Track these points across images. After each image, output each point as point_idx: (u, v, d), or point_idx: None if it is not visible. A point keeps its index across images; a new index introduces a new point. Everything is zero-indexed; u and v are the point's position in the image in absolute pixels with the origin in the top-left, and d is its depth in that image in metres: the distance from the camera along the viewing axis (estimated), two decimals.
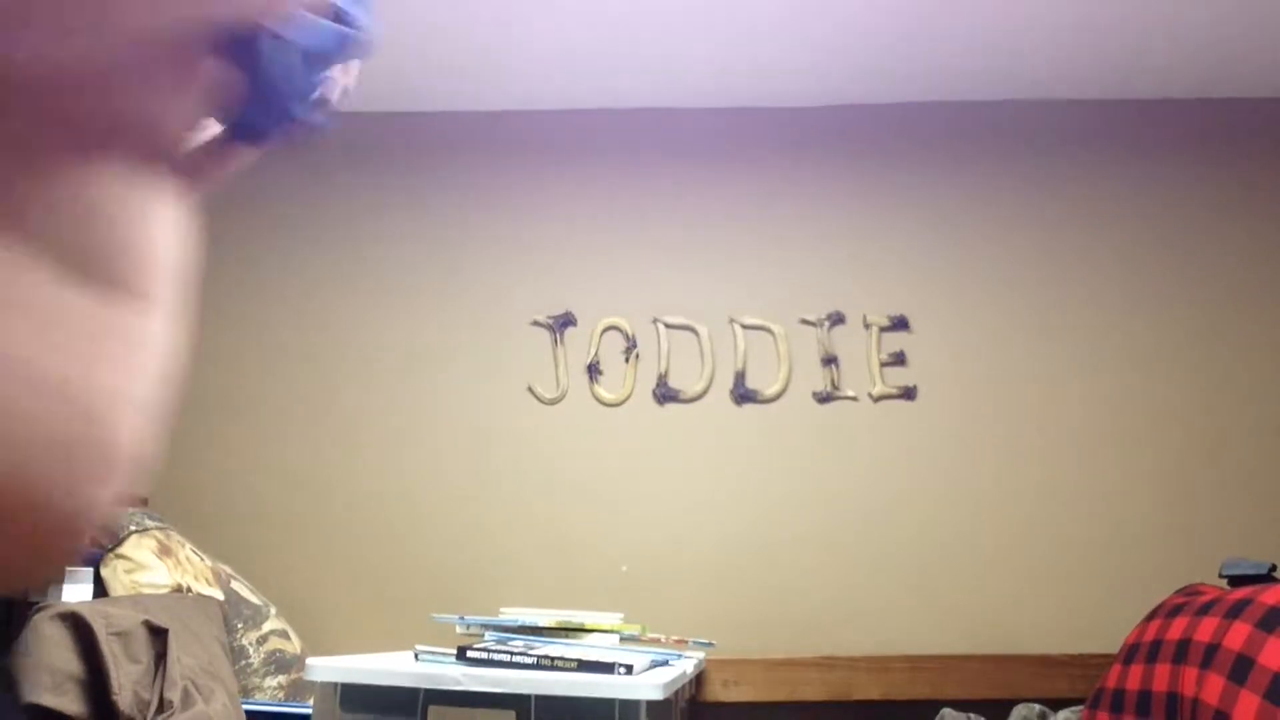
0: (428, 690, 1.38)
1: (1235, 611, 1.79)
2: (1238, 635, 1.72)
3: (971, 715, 2.20)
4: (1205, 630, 1.81)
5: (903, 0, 2.41)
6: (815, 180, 2.81)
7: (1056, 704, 2.24)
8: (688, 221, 2.81)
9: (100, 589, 2.12)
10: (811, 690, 2.48)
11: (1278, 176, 2.75)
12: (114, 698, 1.66)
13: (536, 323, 2.78)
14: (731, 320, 2.74)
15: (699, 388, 2.72)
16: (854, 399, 2.70)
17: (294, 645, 2.32)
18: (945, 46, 2.57)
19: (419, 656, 1.48)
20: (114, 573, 2.11)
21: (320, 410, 2.76)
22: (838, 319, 2.73)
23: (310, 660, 1.42)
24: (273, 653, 2.23)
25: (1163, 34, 2.50)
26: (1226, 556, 2.18)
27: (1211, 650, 1.77)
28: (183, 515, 2.54)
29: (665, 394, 2.72)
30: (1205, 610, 1.87)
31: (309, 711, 1.91)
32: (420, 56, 2.66)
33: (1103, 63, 2.64)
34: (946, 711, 2.23)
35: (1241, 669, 1.68)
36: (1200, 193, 2.74)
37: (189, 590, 2.16)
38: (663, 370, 2.73)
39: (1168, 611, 1.98)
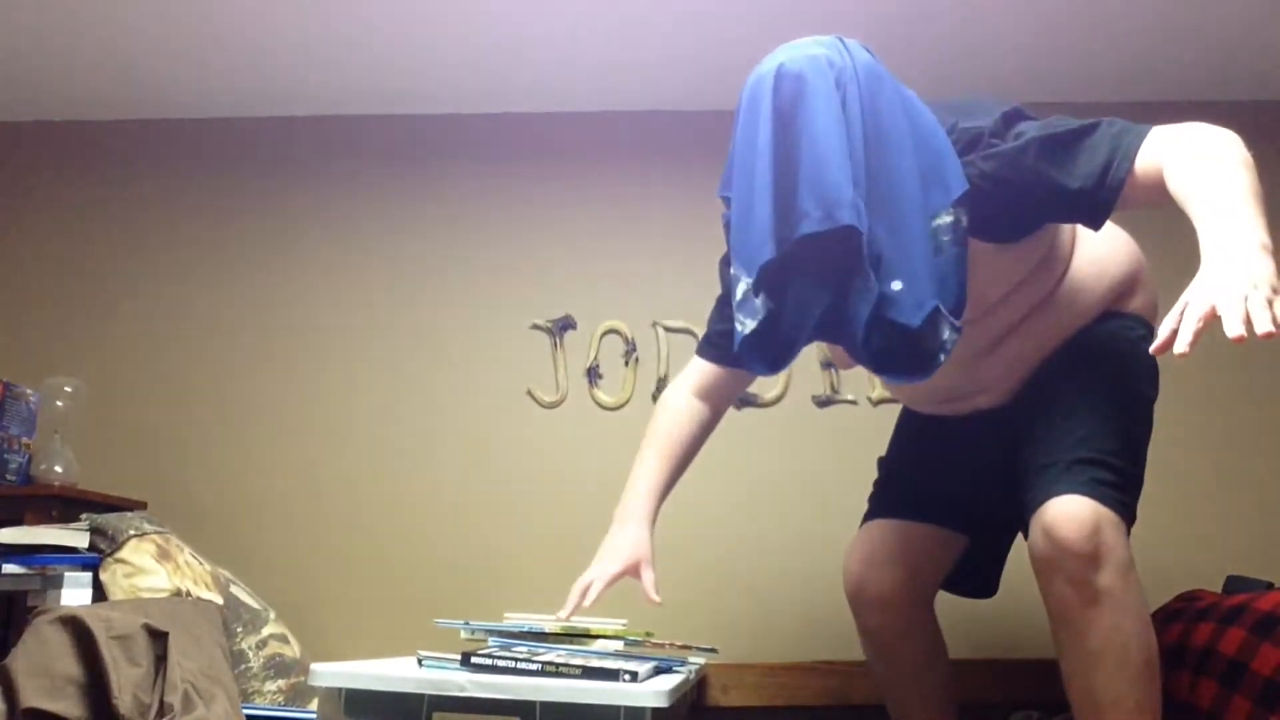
0: (432, 696, 1.38)
1: (1230, 617, 1.79)
2: (1232, 641, 1.73)
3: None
4: (1201, 635, 1.82)
5: (901, 3, 2.41)
6: None
7: (1054, 709, 2.24)
8: (687, 224, 2.80)
9: (99, 593, 2.11)
10: (810, 695, 2.48)
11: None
12: (114, 701, 1.66)
13: (536, 326, 2.77)
14: None
15: None
16: (853, 402, 2.70)
17: (293, 650, 2.32)
18: (943, 49, 2.57)
19: (423, 662, 1.47)
20: (113, 577, 2.10)
21: (319, 415, 2.75)
22: None
23: (314, 666, 1.41)
24: (272, 657, 2.22)
25: (1189, 34, 2.52)
26: (1229, 570, 2.18)
27: (1206, 655, 1.77)
28: (182, 519, 2.54)
29: None
30: (1201, 616, 1.87)
31: (312, 717, 1.91)
32: (421, 60, 2.66)
33: (1108, 66, 2.65)
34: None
35: (1234, 674, 1.69)
36: None
37: (188, 594, 2.15)
38: (662, 374, 2.73)
39: (1165, 617, 1.99)
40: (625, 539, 1.75)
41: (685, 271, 2.77)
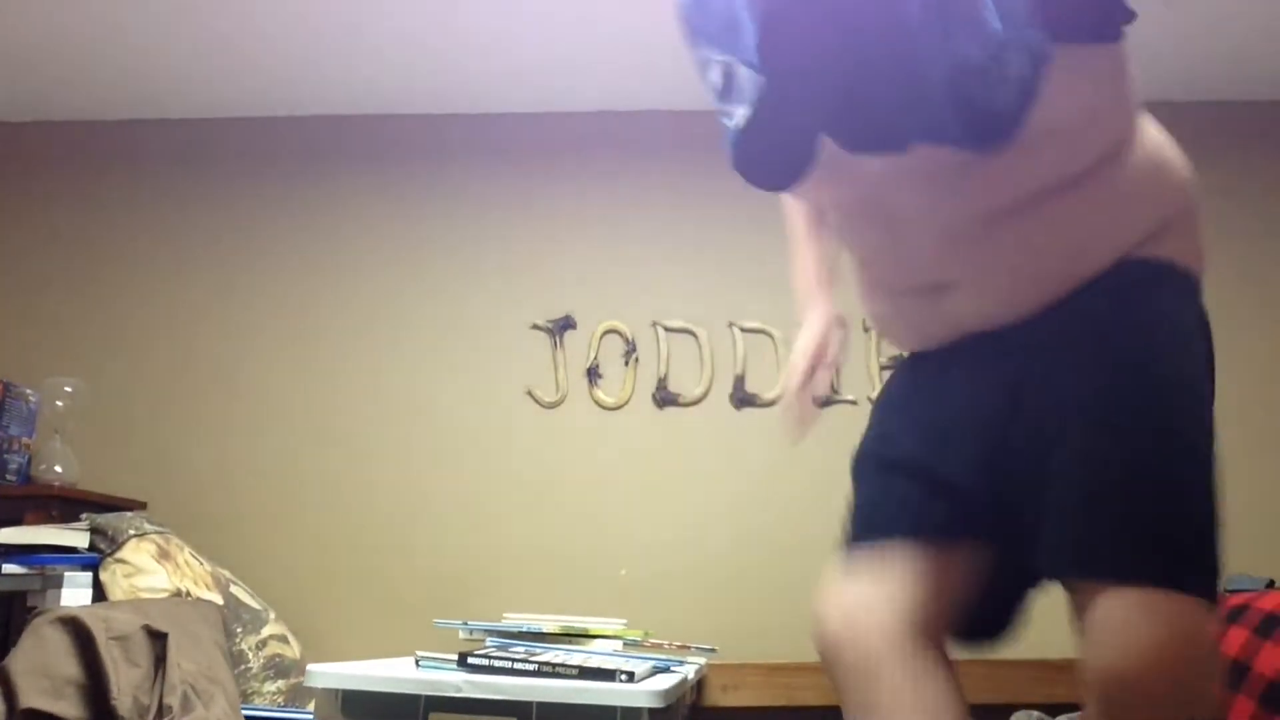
0: (429, 697, 1.38)
1: (1232, 618, 1.79)
2: (1234, 641, 1.73)
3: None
4: None
5: None
6: None
7: (1055, 709, 2.24)
8: (687, 225, 2.80)
9: (99, 593, 2.11)
10: (810, 695, 2.48)
11: (1269, 181, 2.75)
12: (113, 702, 1.66)
13: (536, 326, 2.77)
14: (731, 324, 2.73)
15: (698, 391, 2.71)
16: (854, 403, 2.70)
17: (293, 650, 2.32)
18: None
19: (420, 662, 1.47)
20: (113, 577, 2.11)
21: (320, 415, 2.75)
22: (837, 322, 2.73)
23: (311, 667, 1.41)
24: (272, 658, 2.23)
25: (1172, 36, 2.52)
26: (1229, 569, 2.17)
27: None
28: (182, 519, 2.54)
29: (664, 398, 2.71)
30: None
31: (310, 718, 1.91)
32: (419, 60, 2.66)
33: None
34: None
35: (1237, 675, 1.68)
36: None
37: (188, 594, 2.15)
38: (662, 374, 2.73)
39: None
40: (814, 318, 1.49)
41: (685, 271, 2.76)
